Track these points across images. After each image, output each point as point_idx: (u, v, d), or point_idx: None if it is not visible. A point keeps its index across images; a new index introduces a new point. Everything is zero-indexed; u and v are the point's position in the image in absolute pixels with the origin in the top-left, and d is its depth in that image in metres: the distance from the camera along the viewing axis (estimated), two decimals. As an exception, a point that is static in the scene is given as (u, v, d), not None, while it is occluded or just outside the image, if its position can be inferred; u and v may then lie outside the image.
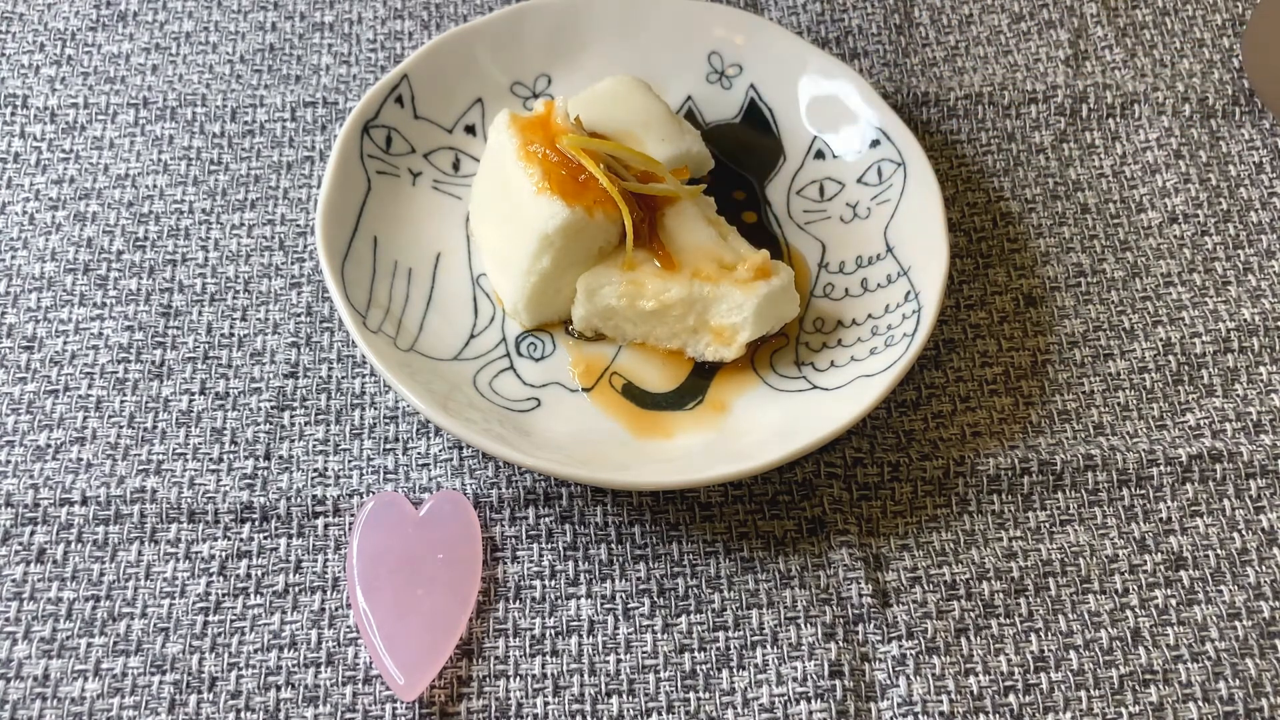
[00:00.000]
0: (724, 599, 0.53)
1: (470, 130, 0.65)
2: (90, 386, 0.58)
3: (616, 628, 0.52)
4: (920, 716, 0.50)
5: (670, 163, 0.60)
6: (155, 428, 0.57)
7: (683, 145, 0.61)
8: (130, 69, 0.69)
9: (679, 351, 0.59)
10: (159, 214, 0.63)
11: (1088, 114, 0.69)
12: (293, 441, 0.57)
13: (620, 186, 0.56)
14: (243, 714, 0.50)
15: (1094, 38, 0.73)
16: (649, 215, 0.58)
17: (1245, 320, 0.62)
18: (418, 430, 0.57)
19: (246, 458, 0.56)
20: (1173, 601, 0.54)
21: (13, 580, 0.52)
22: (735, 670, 0.52)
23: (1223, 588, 0.54)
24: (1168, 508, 0.56)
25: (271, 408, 0.58)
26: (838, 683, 0.51)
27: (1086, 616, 0.53)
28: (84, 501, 0.54)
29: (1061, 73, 0.71)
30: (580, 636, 0.52)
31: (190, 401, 0.58)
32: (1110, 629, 0.53)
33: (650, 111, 0.61)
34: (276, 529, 0.54)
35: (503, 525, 0.55)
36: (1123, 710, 0.51)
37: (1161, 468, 0.57)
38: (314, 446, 0.57)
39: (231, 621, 0.52)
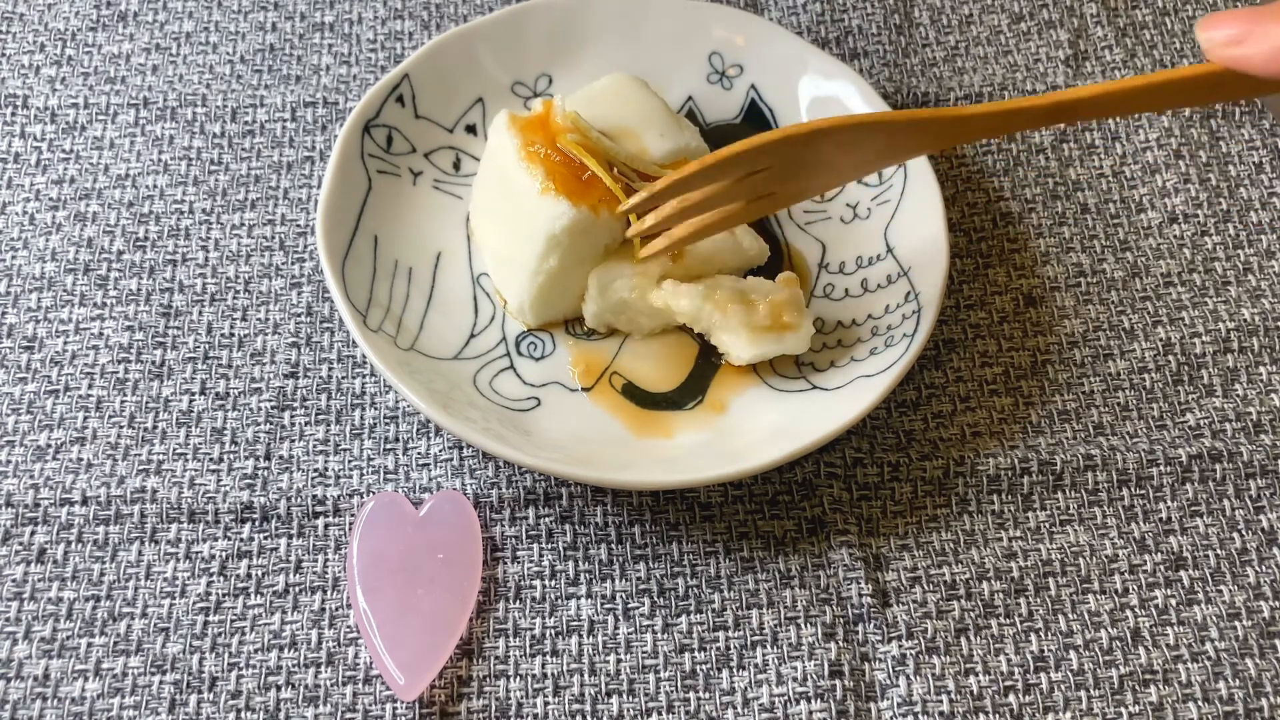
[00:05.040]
0: (724, 599, 0.53)
1: (471, 130, 0.65)
2: (90, 386, 0.58)
3: (616, 628, 0.52)
4: (920, 716, 0.50)
5: (670, 157, 0.60)
6: (155, 428, 0.57)
7: (681, 140, 0.61)
8: (130, 69, 0.69)
9: (681, 350, 0.59)
10: (159, 214, 0.63)
11: (1088, 114, 0.69)
12: (293, 441, 0.57)
13: (624, 184, 0.56)
14: (243, 714, 0.50)
15: (1094, 38, 0.73)
16: (652, 212, 0.58)
17: (1245, 320, 0.62)
18: (418, 430, 0.57)
19: (246, 458, 0.56)
20: (1173, 601, 0.54)
21: (13, 580, 0.52)
22: (735, 670, 0.52)
23: (1223, 588, 0.54)
24: (1168, 508, 0.56)
25: (272, 408, 0.58)
26: (838, 683, 0.51)
27: (1086, 616, 0.53)
28: (84, 501, 0.54)
29: (1061, 73, 0.71)
30: (580, 636, 0.52)
31: (190, 401, 0.58)
32: (1110, 629, 0.53)
33: (648, 108, 0.61)
34: (277, 529, 0.54)
35: (503, 525, 0.55)
36: (1123, 710, 0.51)
37: (1161, 468, 0.57)
38: (314, 446, 0.57)
39: (232, 621, 0.52)
